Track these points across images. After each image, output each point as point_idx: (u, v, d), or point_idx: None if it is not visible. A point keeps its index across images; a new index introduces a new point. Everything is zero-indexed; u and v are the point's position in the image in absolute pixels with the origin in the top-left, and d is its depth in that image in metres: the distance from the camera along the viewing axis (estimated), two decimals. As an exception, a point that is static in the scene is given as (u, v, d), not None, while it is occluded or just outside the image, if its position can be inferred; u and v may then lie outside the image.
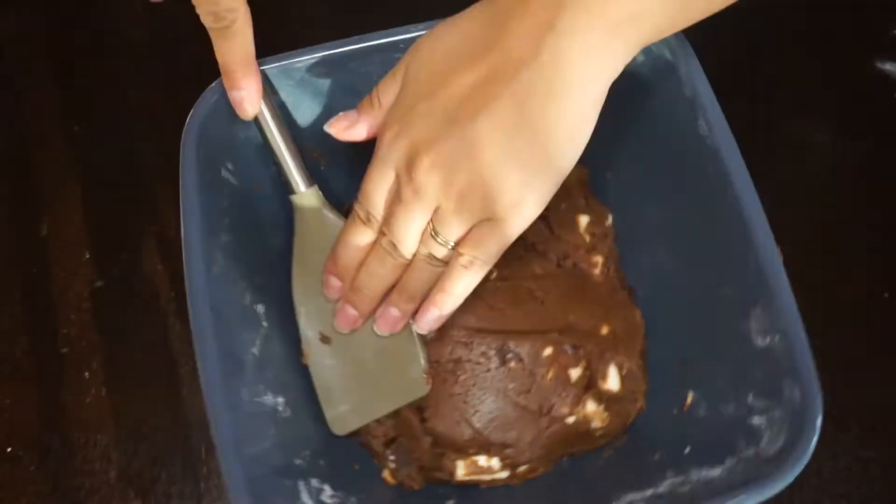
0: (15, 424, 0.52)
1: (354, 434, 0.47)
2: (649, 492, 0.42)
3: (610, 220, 0.51)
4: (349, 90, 0.46)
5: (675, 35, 0.43)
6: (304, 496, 0.42)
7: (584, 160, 0.53)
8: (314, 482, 0.43)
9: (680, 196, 0.46)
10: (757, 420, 0.40)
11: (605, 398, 0.47)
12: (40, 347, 0.54)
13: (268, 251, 0.48)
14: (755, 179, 0.41)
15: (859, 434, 0.51)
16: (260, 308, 0.45)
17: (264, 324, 0.45)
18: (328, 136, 0.46)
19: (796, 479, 0.37)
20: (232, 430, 0.38)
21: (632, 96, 0.47)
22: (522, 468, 0.46)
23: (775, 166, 0.57)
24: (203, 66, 0.62)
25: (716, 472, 0.40)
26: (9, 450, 0.52)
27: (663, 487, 0.42)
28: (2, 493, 0.51)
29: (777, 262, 0.39)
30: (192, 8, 0.41)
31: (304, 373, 0.47)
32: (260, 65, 0.44)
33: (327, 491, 0.43)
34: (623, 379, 0.47)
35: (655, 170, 0.48)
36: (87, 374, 0.53)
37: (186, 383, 0.53)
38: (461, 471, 0.46)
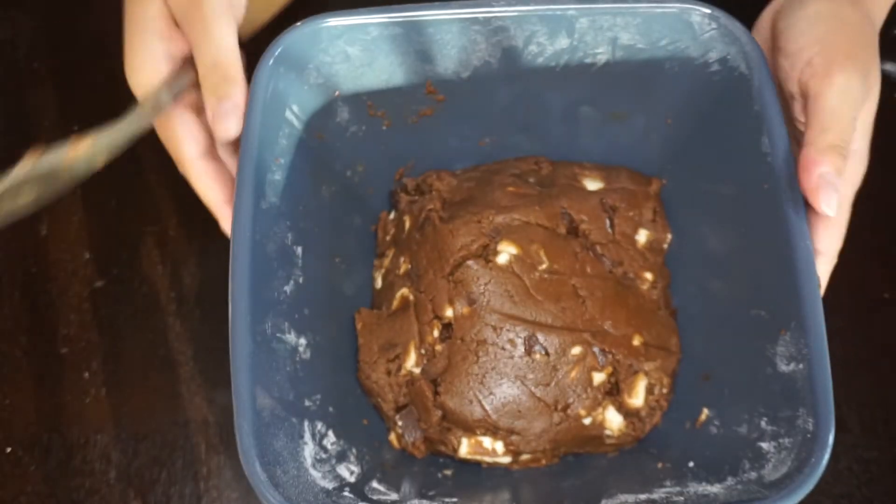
0: (15, 424, 0.52)
1: (368, 393, 0.48)
2: (643, 496, 0.42)
3: (669, 239, 0.51)
4: (422, 55, 0.46)
5: (755, 47, 0.42)
6: (307, 435, 0.43)
7: (655, 170, 0.52)
8: (319, 425, 0.44)
9: (733, 212, 0.46)
10: (765, 445, 0.40)
11: (625, 410, 0.47)
12: (40, 347, 0.54)
13: (318, 199, 0.48)
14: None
15: (859, 434, 0.51)
16: (299, 250, 0.46)
17: (300, 265, 0.46)
18: (393, 95, 0.46)
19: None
20: (249, 354, 0.39)
21: (704, 108, 0.46)
22: (525, 457, 0.47)
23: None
24: (203, 66, 0.62)
25: (714, 488, 0.40)
26: (8, 450, 0.52)
27: (658, 494, 0.42)
28: (2, 493, 0.51)
29: (816, 293, 0.39)
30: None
31: (334, 323, 0.48)
32: (339, 16, 0.44)
33: (330, 437, 0.44)
34: (648, 397, 0.47)
35: (714, 184, 0.47)
36: (87, 374, 0.53)
37: (186, 383, 0.53)
38: (465, 448, 0.46)
